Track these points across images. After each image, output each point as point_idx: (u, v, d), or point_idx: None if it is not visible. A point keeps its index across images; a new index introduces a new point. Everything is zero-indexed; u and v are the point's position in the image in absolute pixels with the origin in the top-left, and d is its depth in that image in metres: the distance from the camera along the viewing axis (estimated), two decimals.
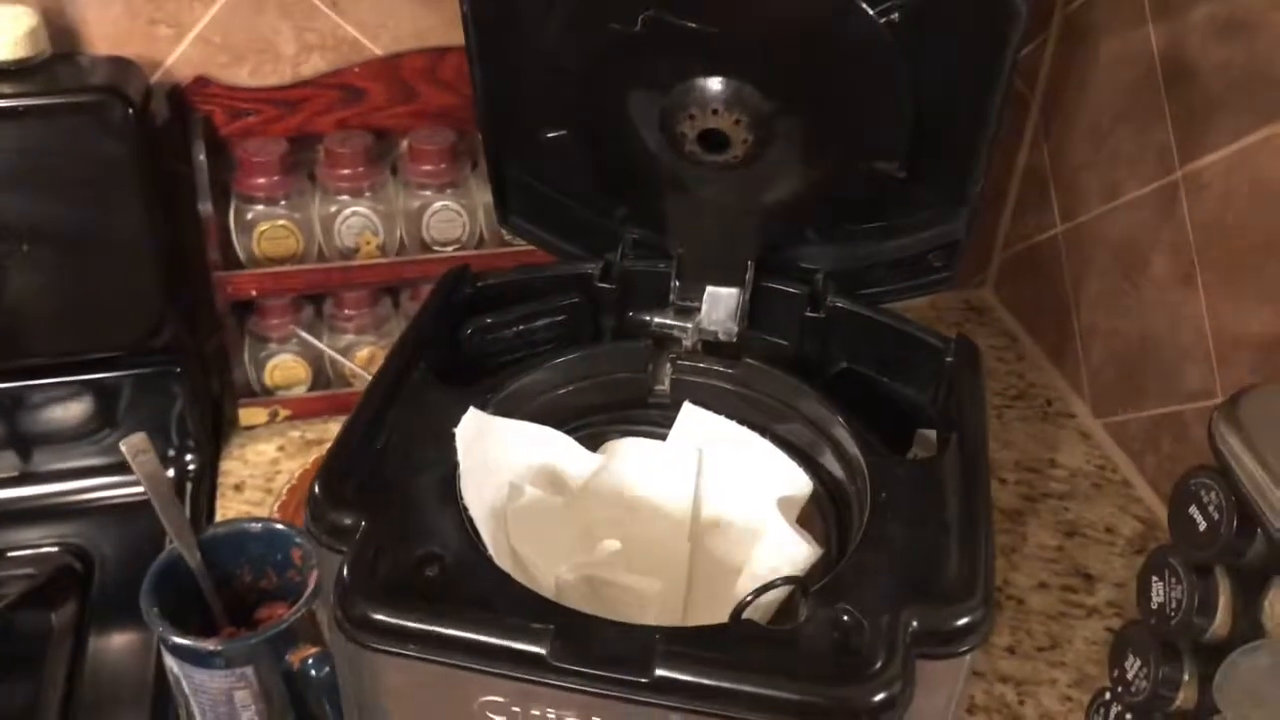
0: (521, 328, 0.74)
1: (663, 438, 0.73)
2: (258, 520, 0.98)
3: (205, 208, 1.11)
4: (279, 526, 0.92)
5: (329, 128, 1.17)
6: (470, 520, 0.61)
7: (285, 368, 1.22)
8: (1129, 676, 0.84)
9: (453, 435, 0.64)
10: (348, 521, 0.58)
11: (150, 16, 1.10)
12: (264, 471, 1.18)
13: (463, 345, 0.73)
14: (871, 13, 0.63)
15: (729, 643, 0.55)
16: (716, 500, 0.71)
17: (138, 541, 1.10)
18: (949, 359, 0.71)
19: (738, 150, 0.69)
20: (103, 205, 1.06)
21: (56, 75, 1.05)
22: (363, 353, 1.21)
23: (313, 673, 0.80)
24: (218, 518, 1.13)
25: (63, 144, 1.03)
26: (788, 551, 0.63)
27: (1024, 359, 1.34)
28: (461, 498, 0.62)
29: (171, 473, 1.17)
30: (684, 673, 0.52)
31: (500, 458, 0.66)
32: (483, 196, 1.18)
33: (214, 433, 1.21)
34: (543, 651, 0.52)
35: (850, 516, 0.66)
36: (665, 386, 0.75)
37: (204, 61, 1.13)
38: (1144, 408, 1.16)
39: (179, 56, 1.12)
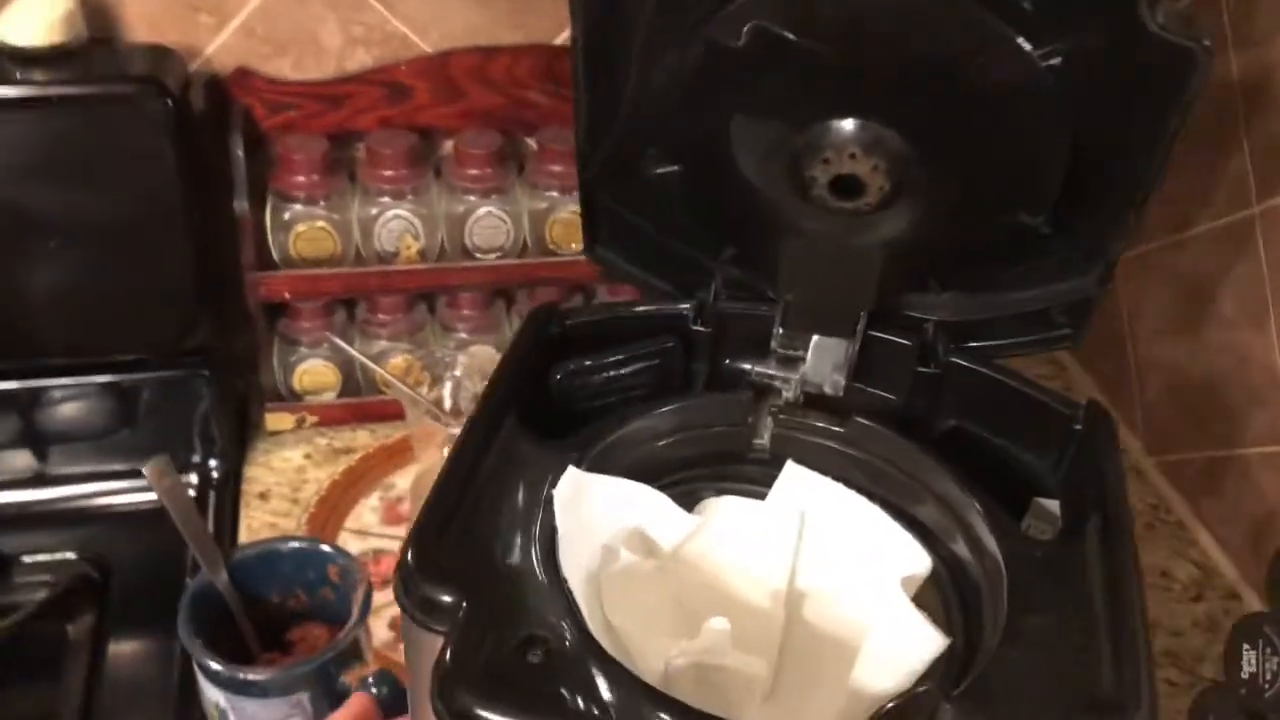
0: (613, 373, 0.70)
1: (761, 496, 0.69)
2: (287, 539, 0.95)
3: (241, 205, 1.07)
4: (312, 546, 0.89)
5: (372, 125, 1.12)
6: (570, 593, 0.57)
7: (315, 372, 1.17)
8: None
9: (549, 495, 0.60)
10: (445, 599, 0.54)
11: (191, 3, 1.05)
12: (290, 480, 1.14)
13: (551, 389, 0.69)
14: (1034, 54, 0.58)
15: None
16: (818, 569, 0.66)
17: (158, 551, 1.06)
18: (1076, 426, 0.67)
19: (871, 198, 0.64)
20: (137, 200, 1.02)
21: (93, 62, 1.01)
22: (396, 360, 1.16)
23: (373, 690, 0.77)
24: (242, 527, 1.09)
25: (97, 135, 0.99)
26: (912, 639, 0.59)
27: (1070, 389, 1.30)
28: (560, 569, 0.58)
29: (195, 479, 1.13)
30: None
31: (596, 519, 0.62)
32: (528, 203, 1.14)
33: (238, 437, 1.16)
34: None
35: (976, 602, 0.62)
36: (765, 441, 0.70)
37: (245, 52, 1.08)
38: (1203, 448, 1.12)
39: (219, 46, 1.08)
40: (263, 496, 1.12)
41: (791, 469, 0.69)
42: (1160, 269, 1.18)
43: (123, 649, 1.01)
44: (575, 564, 0.59)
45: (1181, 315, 1.14)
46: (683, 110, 0.66)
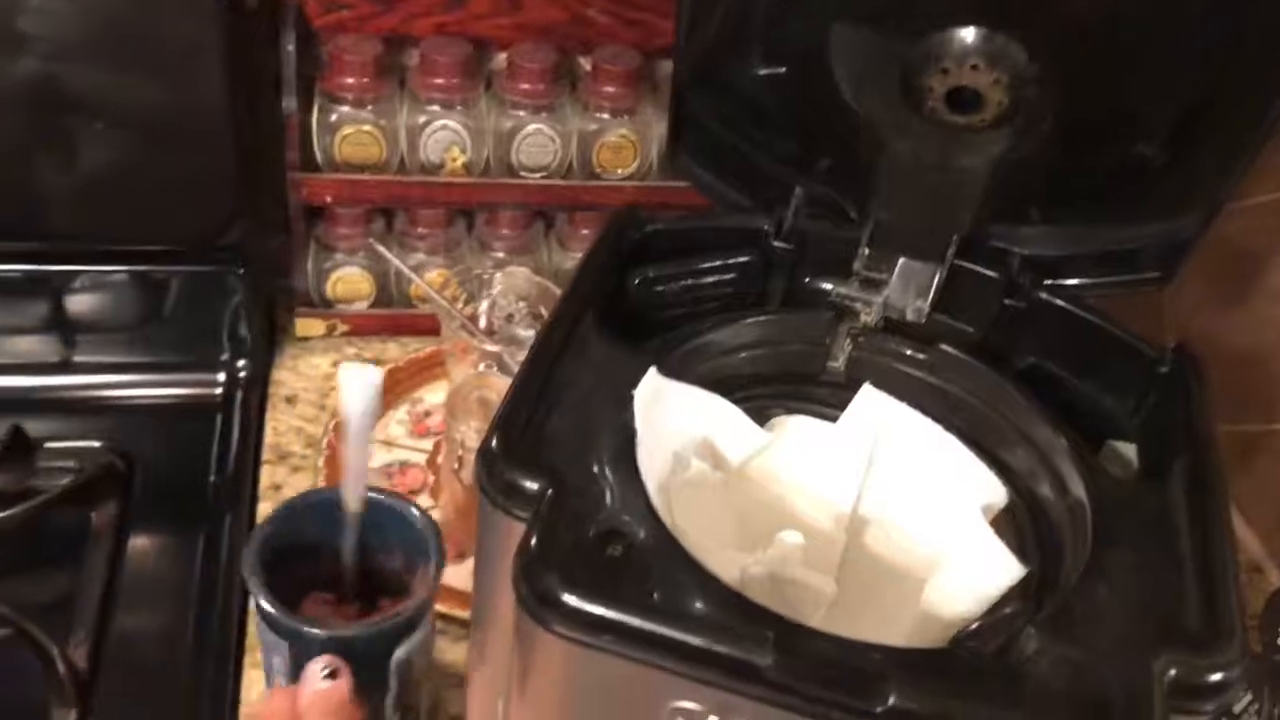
0: (690, 282, 0.68)
1: (830, 419, 0.68)
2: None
3: (289, 103, 1.05)
4: (398, 505, 0.77)
5: (426, 31, 1.10)
6: (647, 494, 0.56)
7: (349, 281, 1.16)
8: (1236, 710, 0.81)
9: (627, 395, 0.59)
10: (530, 485, 0.52)
11: None
12: (318, 386, 1.12)
13: (629, 295, 0.67)
14: None
15: (959, 673, 0.50)
16: (887, 493, 0.66)
17: (182, 447, 1.07)
18: (1163, 369, 0.66)
19: (988, 114, 0.62)
20: (186, 88, 0.99)
21: None
22: (432, 275, 1.15)
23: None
24: (268, 429, 1.08)
25: (150, 17, 0.96)
26: (989, 565, 0.58)
27: None
28: (639, 471, 0.57)
29: (222, 377, 1.11)
30: (917, 703, 0.47)
31: (670, 425, 0.61)
32: (578, 124, 1.12)
33: (267, 340, 1.15)
34: (763, 663, 0.47)
35: (1053, 539, 0.60)
36: (840, 364, 0.69)
37: None
38: (1238, 423, 1.12)
39: None
40: (290, 401, 1.11)
41: (868, 392, 0.67)
42: (1207, 236, 1.16)
43: (144, 541, 1.00)
44: (649, 467, 0.58)
45: (1226, 285, 1.13)
46: (794, 9, 0.64)
